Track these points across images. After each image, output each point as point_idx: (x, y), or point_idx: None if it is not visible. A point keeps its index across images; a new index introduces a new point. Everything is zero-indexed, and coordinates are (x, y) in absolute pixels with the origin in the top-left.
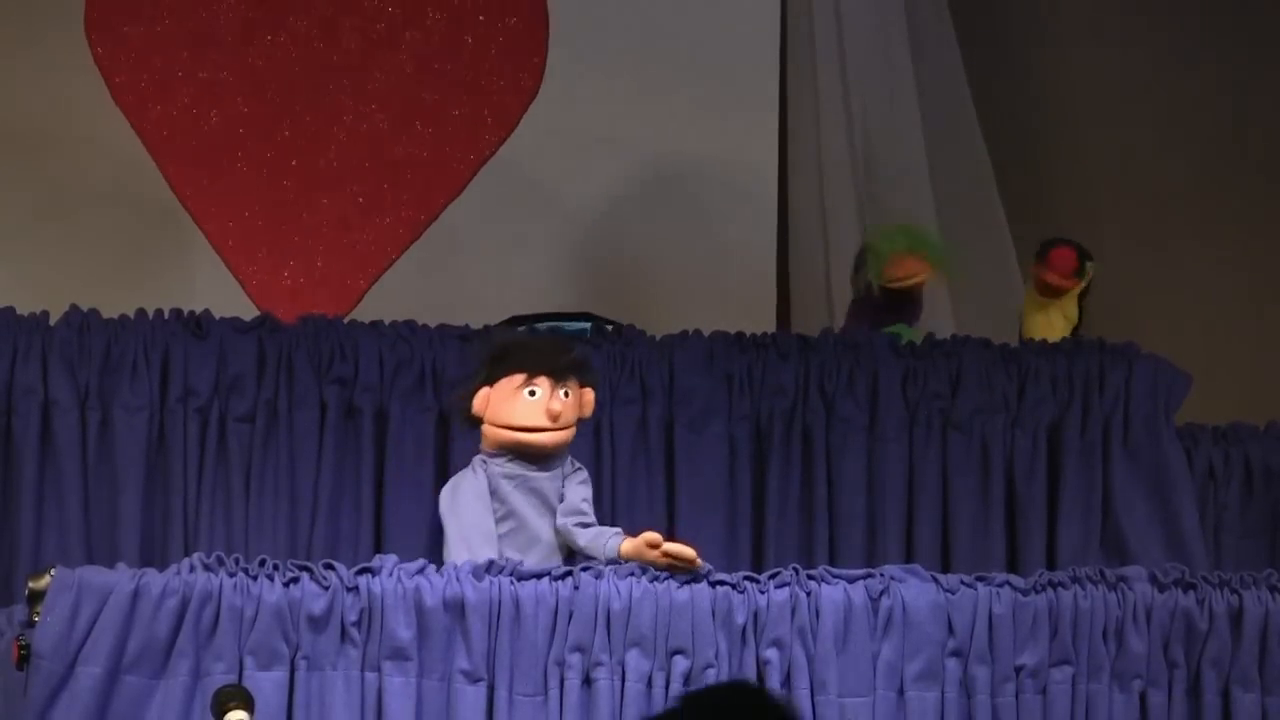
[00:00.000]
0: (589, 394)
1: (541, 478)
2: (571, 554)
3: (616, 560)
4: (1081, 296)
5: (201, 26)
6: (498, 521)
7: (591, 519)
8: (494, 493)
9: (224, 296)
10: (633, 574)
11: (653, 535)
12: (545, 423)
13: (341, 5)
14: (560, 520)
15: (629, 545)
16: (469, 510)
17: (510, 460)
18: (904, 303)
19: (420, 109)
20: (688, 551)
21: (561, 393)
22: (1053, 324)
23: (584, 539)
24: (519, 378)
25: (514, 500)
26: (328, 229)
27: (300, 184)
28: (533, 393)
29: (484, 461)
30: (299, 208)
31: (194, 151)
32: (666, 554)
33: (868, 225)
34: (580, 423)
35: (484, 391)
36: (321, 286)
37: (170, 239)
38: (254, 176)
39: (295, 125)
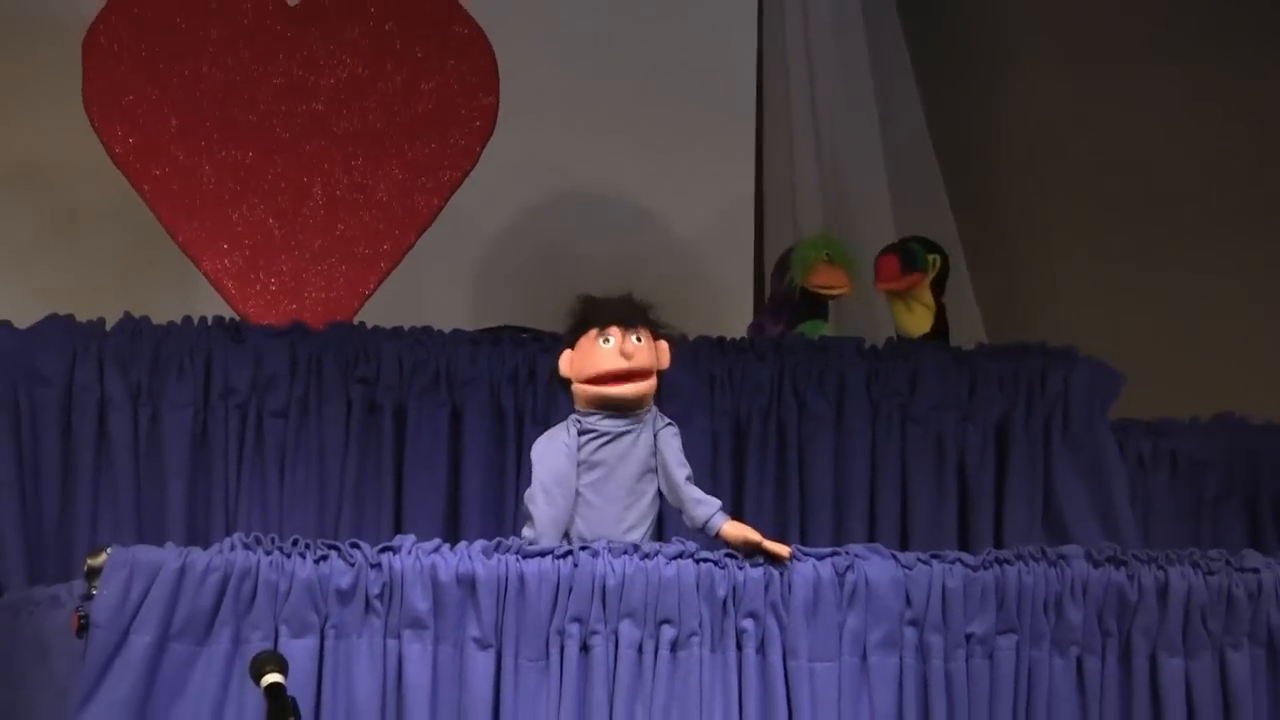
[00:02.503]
0: (664, 345)
1: (631, 431)
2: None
3: (713, 537)
4: (939, 283)
5: (187, 91)
6: (586, 471)
7: (690, 470)
8: (582, 446)
9: (221, 308)
10: (626, 553)
11: (755, 536)
12: (621, 363)
13: (309, 64)
14: (669, 474)
15: (732, 531)
16: (553, 461)
17: (603, 417)
18: (819, 305)
19: (388, 152)
20: (784, 551)
21: (633, 338)
22: (914, 314)
23: (689, 503)
24: (593, 332)
25: (602, 453)
26: (313, 264)
27: (287, 225)
28: (607, 340)
29: (577, 420)
30: (287, 245)
31: (190, 202)
32: (765, 550)
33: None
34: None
35: (566, 354)
36: (311, 315)
37: (174, 260)
38: (246, 220)
39: (279, 173)
